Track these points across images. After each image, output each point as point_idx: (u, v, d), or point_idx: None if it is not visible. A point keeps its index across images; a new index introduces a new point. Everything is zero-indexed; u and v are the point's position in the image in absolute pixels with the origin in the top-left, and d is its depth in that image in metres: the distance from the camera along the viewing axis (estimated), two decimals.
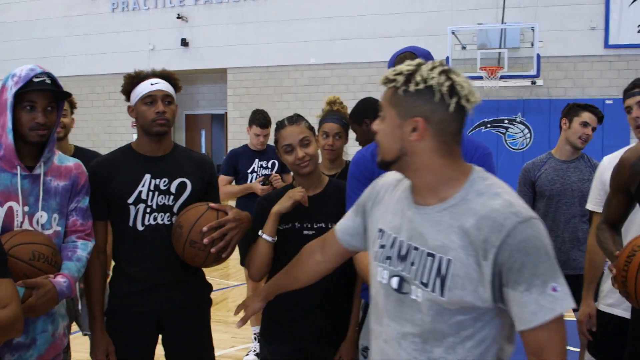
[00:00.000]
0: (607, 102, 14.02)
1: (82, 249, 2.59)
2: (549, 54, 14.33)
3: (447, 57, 13.39)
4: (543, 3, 14.47)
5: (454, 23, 14.20)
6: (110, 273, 2.91)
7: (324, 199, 2.79)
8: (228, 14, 16.53)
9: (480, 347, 1.68)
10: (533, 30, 13.39)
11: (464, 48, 14.36)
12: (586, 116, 3.88)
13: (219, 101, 17.70)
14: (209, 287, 3.06)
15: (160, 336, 2.93)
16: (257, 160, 5.25)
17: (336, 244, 2.16)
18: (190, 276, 2.88)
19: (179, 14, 16.69)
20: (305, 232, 2.73)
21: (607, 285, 2.98)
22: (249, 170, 5.23)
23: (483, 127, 14.58)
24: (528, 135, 14.07)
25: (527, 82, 14.01)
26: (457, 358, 1.67)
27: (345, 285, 2.80)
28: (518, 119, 14.01)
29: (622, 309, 2.87)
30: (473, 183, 1.72)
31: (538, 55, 13.43)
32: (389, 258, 1.79)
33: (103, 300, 2.82)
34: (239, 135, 16.09)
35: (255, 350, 5.12)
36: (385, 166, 1.79)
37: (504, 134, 14.40)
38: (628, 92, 2.90)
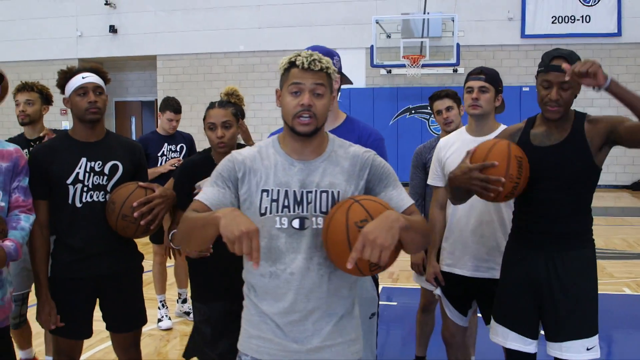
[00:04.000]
0: (524, 89, 14.80)
1: (25, 220, 2.91)
2: (469, 43, 14.99)
3: (372, 46, 13.87)
4: None
5: (379, 12, 14.68)
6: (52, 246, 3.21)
7: None
8: (156, 1, 16.56)
9: None
10: (453, 20, 13.97)
11: (388, 37, 14.85)
12: (436, 105, 4.23)
13: (148, 88, 17.72)
14: (140, 256, 3.39)
15: (98, 300, 3.25)
16: (166, 144, 5.54)
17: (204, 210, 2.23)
18: (122, 246, 3.21)
19: (106, 1, 16.62)
20: None
21: (445, 250, 3.45)
22: (159, 154, 5.53)
23: (407, 114, 15.17)
24: None
25: (449, 70, 14.63)
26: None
27: None
28: None
29: (458, 268, 3.40)
30: (333, 142, 2.27)
31: (458, 45, 14.04)
32: (286, 207, 2.15)
33: (47, 270, 3.13)
34: None
35: (166, 315, 5.51)
36: (315, 133, 2.17)
37: (427, 119, 15.02)
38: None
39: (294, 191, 2.16)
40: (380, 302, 3.03)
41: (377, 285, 2.99)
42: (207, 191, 2.21)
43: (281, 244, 2.14)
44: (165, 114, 5.56)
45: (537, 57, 12.12)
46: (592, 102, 15.70)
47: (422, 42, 14.08)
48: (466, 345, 3.65)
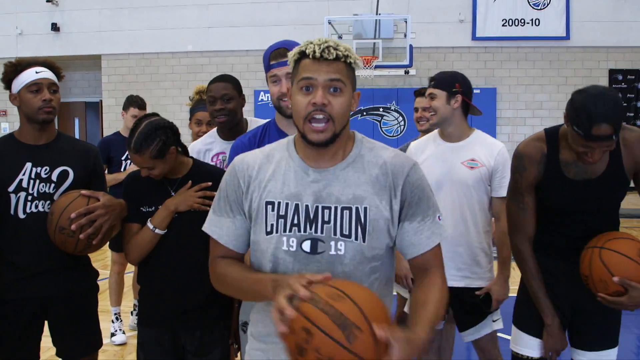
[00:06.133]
0: (475, 91, 14.76)
1: None
2: (421, 44, 14.90)
3: None
4: None
5: (330, 13, 14.48)
6: None
7: (188, 182, 2.80)
8: None
9: (382, 285, 1.88)
10: (406, 21, 13.87)
11: (340, 38, 14.66)
12: (417, 102, 4.13)
13: (93, 89, 17.14)
14: (94, 273, 3.02)
15: (47, 323, 2.89)
16: None
17: (231, 253, 1.96)
18: (74, 262, 2.86)
19: None
20: None
21: None
22: (123, 157, 5.11)
23: (359, 115, 14.99)
24: (402, 122, 14.58)
25: (401, 72, 14.50)
26: None
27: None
28: (392, 107, 14.50)
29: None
30: (360, 142, 1.89)
31: (411, 46, 13.95)
32: (295, 225, 1.79)
33: None
34: (115, 123, 15.67)
35: (120, 329, 5.15)
36: (335, 138, 1.80)
37: (379, 121, 14.87)
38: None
39: (307, 206, 1.79)
40: None
41: None
42: (219, 224, 1.90)
43: (288, 271, 1.79)
44: (129, 110, 5.28)
45: (488, 59, 11.97)
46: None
47: (374, 43, 13.94)
48: (439, 350, 3.57)
